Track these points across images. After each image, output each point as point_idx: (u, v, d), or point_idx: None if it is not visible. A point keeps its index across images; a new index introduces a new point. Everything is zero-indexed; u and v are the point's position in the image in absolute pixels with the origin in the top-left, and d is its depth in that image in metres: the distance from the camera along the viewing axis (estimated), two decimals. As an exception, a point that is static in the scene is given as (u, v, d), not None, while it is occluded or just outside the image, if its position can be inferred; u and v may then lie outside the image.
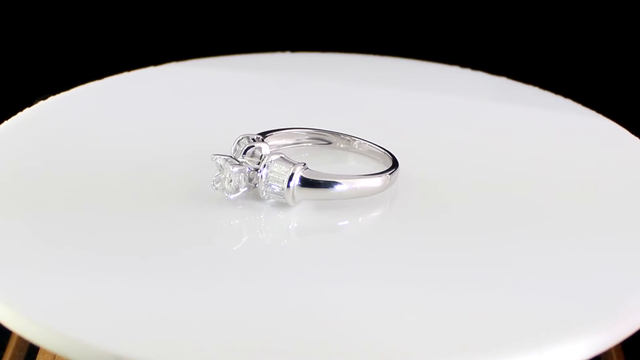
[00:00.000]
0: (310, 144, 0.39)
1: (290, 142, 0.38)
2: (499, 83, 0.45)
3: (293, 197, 0.34)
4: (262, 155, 0.35)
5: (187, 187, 0.36)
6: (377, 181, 0.35)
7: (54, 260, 0.32)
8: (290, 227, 0.35)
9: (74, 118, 0.41)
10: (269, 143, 0.36)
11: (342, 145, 0.39)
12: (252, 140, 0.35)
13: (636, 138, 0.41)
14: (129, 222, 0.34)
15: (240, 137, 0.36)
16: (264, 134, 0.36)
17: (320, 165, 0.35)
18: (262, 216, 0.35)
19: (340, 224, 0.35)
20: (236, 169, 0.34)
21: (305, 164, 0.35)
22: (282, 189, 0.34)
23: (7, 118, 0.40)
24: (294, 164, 0.34)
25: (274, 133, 0.37)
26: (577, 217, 0.36)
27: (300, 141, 0.38)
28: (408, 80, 0.45)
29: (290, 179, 0.34)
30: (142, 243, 0.33)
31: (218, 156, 0.35)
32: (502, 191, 0.37)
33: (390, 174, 0.35)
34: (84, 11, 0.59)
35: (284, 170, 0.34)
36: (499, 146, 0.40)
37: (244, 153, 0.35)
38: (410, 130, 0.41)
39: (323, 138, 0.38)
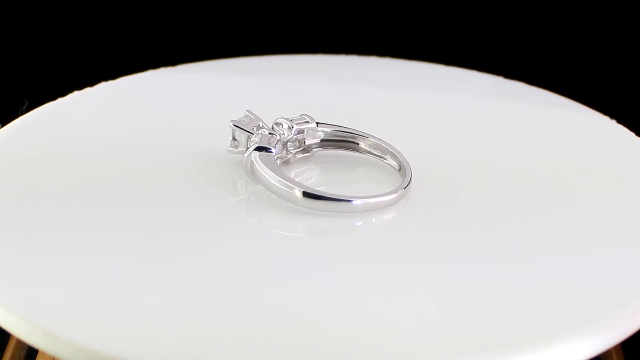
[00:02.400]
0: (338, 147, 0.39)
1: (327, 138, 0.38)
2: (498, 83, 0.45)
3: (246, 165, 0.36)
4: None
5: (198, 185, 0.36)
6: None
7: (53, 262, 0.32)
8: (298, 225, 0.35)
9: (77, 122, 0.41)
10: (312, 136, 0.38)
11: (372, 151, 0.39)
12: (303, 120, 0.38)
13: (635, 135, 0.41)
14: (130, 225, 0.34)
15: (299, 116, 0.38)
16: (318, 123, 0.38)
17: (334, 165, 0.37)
18: (276, 216, 0.35)
19: (356, 224, 0.35)
20: (234, 127, 0.37)
21: (270, 149, 0.36)
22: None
23: (10, 120, 0.40)
24: (265, 142, 0.36)
25: (331, 126, 0.38)
26: (577, 217, 0.36)
27: (339, 138, 0.39)
28: (409, 81, 0.45)
29: (252, 150, 0.36)
30: (141, 247, 0.33)
31: (249, 111, 0.37)
32: (505, 190, 0.37)
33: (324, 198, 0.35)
34: (96, 15, 0.60)
35: (253, 141, 0.36)
36: (502, 144, 0.40)
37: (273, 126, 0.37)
38: (413, 131, 0.41)
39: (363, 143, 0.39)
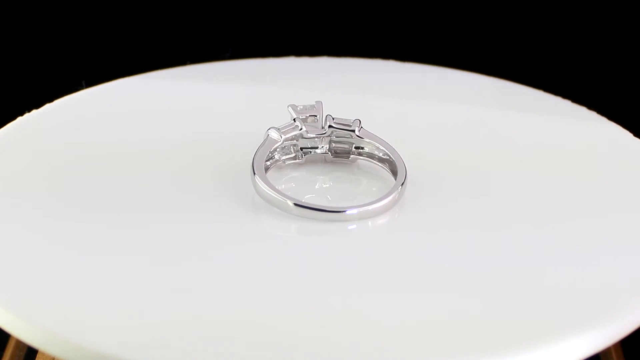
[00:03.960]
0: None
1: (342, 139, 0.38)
2: (499, 84, 0.45)
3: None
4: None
5: (203, 183, 0.36)
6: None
7: (52, 262, 0.32)
8: (298, 227, 0.35)
9: (87, 119, 0.41)
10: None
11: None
12: (344, 123, 0.38)
13: (635, 138, 0.41)
14: (130, 224, 0.34)
15: (353, 120, 0.38)
16: (361, 129, 0.38)
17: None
18: (276, 218, 0.35)
19: (350, 227, 0.35)
20: (289, 109, 0.38)
21: (278, 138, 0.36)
22: None
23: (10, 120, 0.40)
24: (282, 130, 0.37)
25: (372, 136, 0.38)
26: (578, 216, 0.36)
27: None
28: (409, 83, 0.45)
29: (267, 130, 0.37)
30: (141, 247, 0.33)
31: (317, 102, 0.38)
32: (506, 191, 0.37)
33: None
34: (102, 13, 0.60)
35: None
36: (502, 147, 0.40)
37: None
38: (413, 133, 0.41)
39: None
